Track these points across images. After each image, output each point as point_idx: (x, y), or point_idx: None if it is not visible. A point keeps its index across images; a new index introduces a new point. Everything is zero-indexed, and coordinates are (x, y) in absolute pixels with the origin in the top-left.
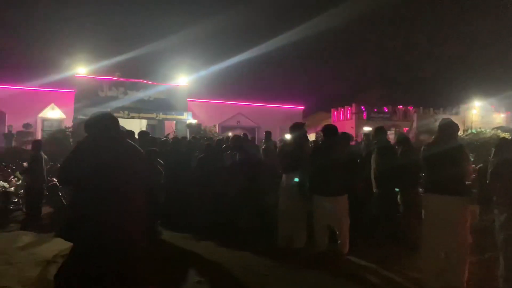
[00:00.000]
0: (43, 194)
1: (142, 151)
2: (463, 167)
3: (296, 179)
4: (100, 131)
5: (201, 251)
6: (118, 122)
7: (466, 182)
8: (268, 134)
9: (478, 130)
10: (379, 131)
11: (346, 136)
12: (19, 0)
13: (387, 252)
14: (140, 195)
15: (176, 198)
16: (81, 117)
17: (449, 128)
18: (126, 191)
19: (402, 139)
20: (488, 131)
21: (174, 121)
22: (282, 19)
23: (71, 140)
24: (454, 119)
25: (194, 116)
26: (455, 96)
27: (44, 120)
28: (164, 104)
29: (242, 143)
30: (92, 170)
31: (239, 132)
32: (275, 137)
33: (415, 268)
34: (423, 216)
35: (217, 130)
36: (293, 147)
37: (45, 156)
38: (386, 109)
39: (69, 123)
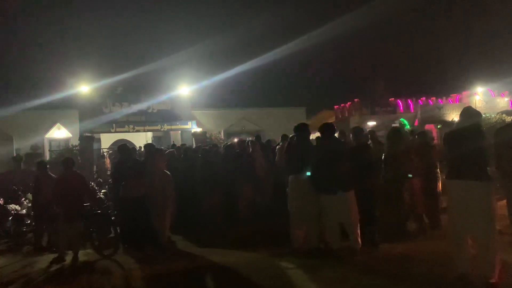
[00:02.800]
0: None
1: None
2: (484, 152)
3: (308, 173)
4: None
5: (214, 255)
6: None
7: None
8: (284, 136)
9: (484, 115)
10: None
11: (357, 131)
12: (21, 23)
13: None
14: None
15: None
16: (87, 134)
17: (470, 114)
18: None
19: (390, 134)
20: (493, 115)
21: (179, 131)
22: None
23: (79, 158)
24: (458, 106)
25: (198, 125)
26: (457, 83)
27: (51, 140)
28: (168, 115)
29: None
30: None
31: (244, 138)
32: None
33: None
34: (447, 203)
35: (222, 137)
36: (298, 148)
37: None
38: (389, 102)
39: (75, 142)
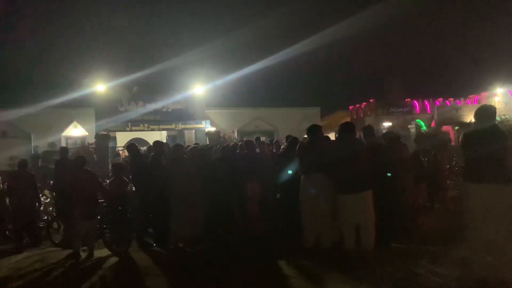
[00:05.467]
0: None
1: None
2: (505, 154)
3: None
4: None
5: (228, 257)
6: None
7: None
8: (288, 137)
9: (503, 117)
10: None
11: (368, 131)
12: (39, 23)
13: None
14: None
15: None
16: (102, 132)
17: (486, 112)
18: None
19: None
20: None
21: (193, 130)
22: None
23: (94, 156)
24: (476, 107)
25: (212, 124)
26: (476, 84)
27: (67, 138)
28: (183, 114)
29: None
30: None
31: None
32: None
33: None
34: (464, 206)
35: (236, 136)
36: (311, 148)
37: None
38: (405, 103)
39: (91, 140)
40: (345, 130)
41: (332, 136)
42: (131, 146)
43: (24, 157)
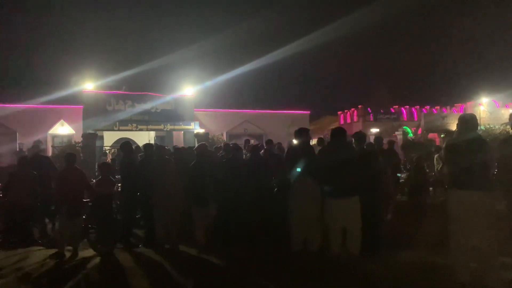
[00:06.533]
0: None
1: None
2: (486, 161)
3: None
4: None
5: (213, 257)
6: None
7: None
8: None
9: (487, 126)
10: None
11: (360, 136)
12: (26, 20)
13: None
14: None
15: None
16: (90, 131)
17: (469, 121)
18: None
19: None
20: (497, 127)
21: (182, 131)
22: (286, 26)
23: (81, 155)
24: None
25: (201, 126)
26: (462, 93)
27: (54, 136)
28: (172, 115)
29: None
30: None
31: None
32: (284, 143)
33: (434, 266)
34: (448, 212)
35: (225, 138)
36: (300, 152)
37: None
38: (392, 110)
39: (78, 138)
40: (337, 135)
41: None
42: (126, 144)
43: (24, 153)
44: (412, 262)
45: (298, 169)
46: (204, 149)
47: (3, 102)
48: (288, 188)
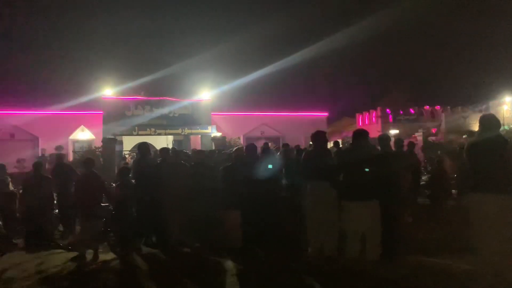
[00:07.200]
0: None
1: None
2: (509, 162)
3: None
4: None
5: (229, 259)
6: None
7: None
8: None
9: (511, 126)
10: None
11: (384, 139)
12: (48, 28)
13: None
14: None
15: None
16: (109, 136)
17: (490, 122)
18: None
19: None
20: None
21: (199, 135)
22: (303, 28)
23: (101, 159)
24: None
25: (218, 129)
26: (484, 92)
27: (74, 141)
28: (189, 120)
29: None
30: None
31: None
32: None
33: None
34: (470, 216)
35: (242, 142)
36: (316, 155)
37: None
38: (412, 111)
39: (98, 143)
40: (359, 136)
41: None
42: (143, 144)
43: (40, 159)
44: (432, 267)
45: (314, 173)
46: (241, 153)
47: (26, 109)
48: (300, 191)
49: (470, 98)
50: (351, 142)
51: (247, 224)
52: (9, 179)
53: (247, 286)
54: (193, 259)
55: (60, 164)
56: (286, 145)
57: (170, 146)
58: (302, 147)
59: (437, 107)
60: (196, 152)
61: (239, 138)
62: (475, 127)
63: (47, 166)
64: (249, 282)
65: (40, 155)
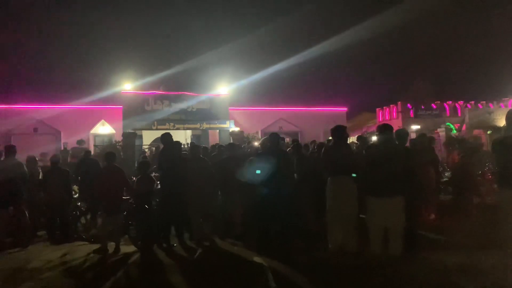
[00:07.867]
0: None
1: None
2: None
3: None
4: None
5: (249, 254)
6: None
7: None
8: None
9: None
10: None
11: (402, 133)
12: (70, 24)
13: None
14: None
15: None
16: (129, 131)
17: None
18: None
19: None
20: None
21: (218, 130)
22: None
23: (121, 153)
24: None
25: (236, 124)
26: (510, 86)
27: (95, 135)
28: (207, 114)
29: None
30: None
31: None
32: (320, 141)
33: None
34: (499, 212)
35: (260, 137)
36: (338, 149)
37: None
38: (434, 106)
39: (118, 138)
40: (384, 131)
41: (352, 139)
42: (167, 135)
43: (57, 153)
44: (455, 264)
45: (335, 167)
46: (267, 143)
47: (49, 103)
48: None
49: (496, 93)
50: (376, 137)
51: (265, 219)
52: (40, 170)
53: (268, 283)
54: (214, 253)
55: (86, 158)
56: (295, 141)
57: (189, 141)
58: (318, 142)
59: (461, 102)
60: (229, 145)
61: (257, 132)
62: (500, 123)
63: (69, 159)
64: (273, 278)
65: (62, 148)
